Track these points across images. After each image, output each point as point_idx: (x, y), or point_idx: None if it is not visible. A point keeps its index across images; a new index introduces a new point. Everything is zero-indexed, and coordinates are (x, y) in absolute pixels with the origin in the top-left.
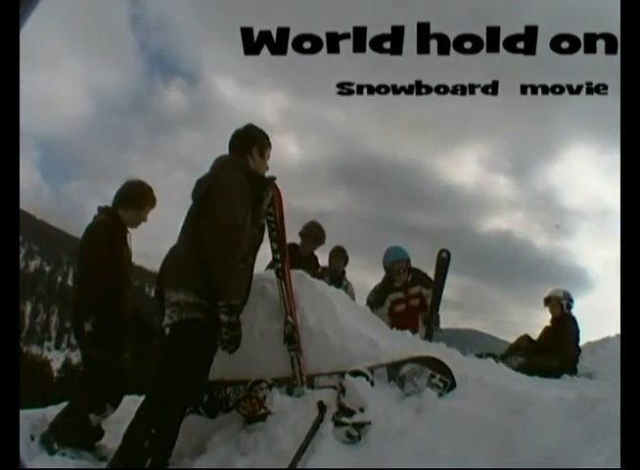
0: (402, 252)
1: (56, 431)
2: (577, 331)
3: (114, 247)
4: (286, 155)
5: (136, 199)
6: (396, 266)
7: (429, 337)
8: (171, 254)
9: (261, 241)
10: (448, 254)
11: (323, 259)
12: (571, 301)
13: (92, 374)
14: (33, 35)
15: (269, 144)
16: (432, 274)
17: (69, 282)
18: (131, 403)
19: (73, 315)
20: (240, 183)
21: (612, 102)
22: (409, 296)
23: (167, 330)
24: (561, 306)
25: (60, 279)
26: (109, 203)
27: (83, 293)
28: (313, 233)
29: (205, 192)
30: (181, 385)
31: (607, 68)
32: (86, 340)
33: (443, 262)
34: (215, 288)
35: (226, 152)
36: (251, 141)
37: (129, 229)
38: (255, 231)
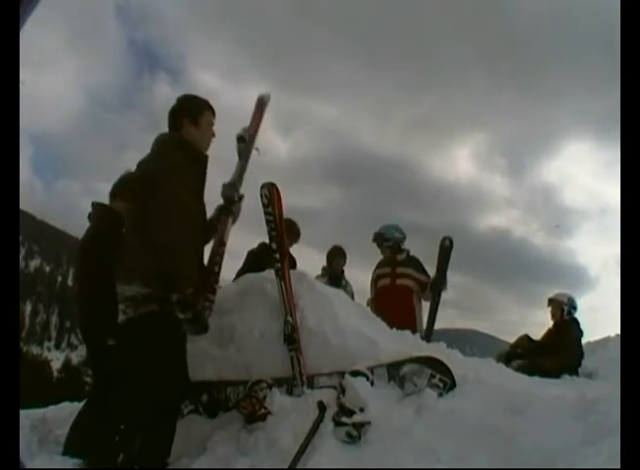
0: (389, 229)
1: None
2: (580, 334)
3: None
4: (274, 151)
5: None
6: (379, 239)
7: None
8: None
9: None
10: (451, 241)
11: (321, 259)
12: (574, 307)
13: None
14: (29, 35)
15: (204, 110)
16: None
17: (69, 282)
18: None
19: None
20: (178, 165)
21: (610, 99)
22: (396, 273)
23: (124, 326)
24: (561, 311)
25: (60, 279)
26: (101, 199)
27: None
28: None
29: (147, 182)
30: (156, 380)
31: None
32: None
33: (446, 250)
34: (166, 277)
35: (220, 146)
36: (179, 114)
37: None
38: (201, 209)
